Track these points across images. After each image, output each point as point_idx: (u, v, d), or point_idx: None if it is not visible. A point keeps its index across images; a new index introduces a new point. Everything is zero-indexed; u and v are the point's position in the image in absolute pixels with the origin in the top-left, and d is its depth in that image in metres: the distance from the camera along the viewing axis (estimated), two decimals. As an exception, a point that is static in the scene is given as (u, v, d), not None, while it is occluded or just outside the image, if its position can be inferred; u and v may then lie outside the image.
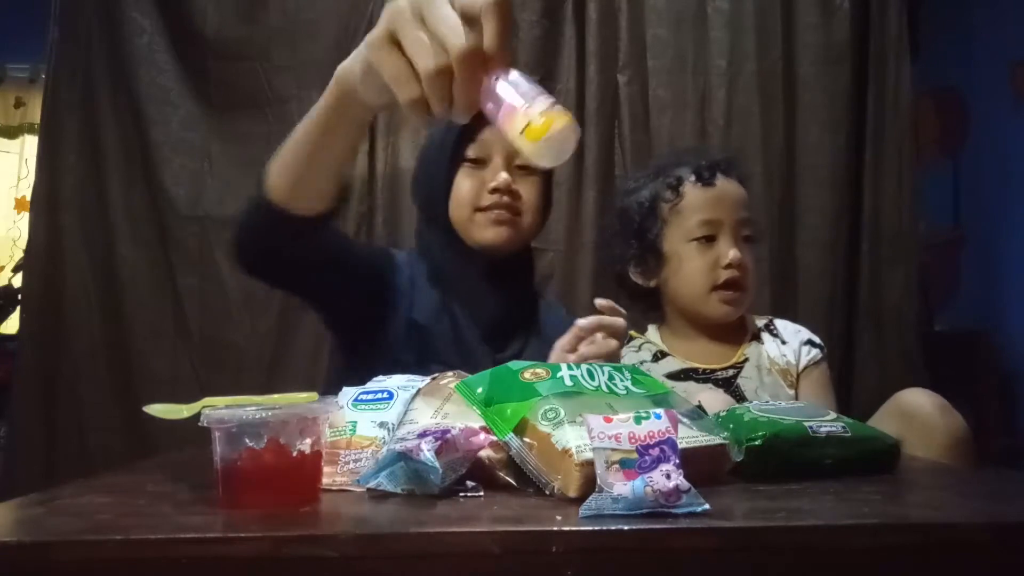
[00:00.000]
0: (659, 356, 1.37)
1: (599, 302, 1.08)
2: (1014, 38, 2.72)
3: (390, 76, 0.66)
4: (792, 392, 1.34)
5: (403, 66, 0.65)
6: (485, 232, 1.22)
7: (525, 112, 0.64)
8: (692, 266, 1.33)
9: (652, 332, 1.43)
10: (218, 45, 1.95)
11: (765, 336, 1.39)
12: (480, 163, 1.23)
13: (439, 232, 1.26)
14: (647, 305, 1.44)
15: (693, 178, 1.35)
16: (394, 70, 0.65)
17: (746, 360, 1.35)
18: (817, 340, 1.39)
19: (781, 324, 1.41)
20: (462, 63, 0.62)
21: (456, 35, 0.61)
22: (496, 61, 0.63)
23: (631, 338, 1.42)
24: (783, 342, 1.37)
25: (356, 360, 1.21)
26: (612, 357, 1.04)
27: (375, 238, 1.91)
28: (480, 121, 1.18)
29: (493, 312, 1.23)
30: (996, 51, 2.80)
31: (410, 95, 0.65)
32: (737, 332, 1.39)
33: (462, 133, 1.22)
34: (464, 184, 1.23)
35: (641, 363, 1.35)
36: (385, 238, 1.89)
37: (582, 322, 1.06)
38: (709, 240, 1.32)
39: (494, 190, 1.21)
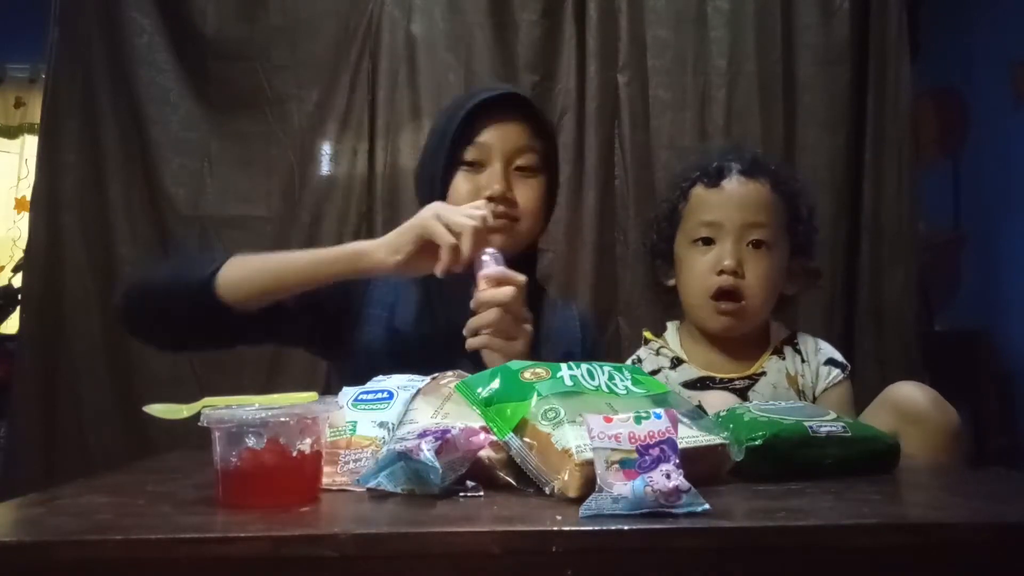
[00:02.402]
0: (676, 363, 1.33)
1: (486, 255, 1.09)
2: (1014, 38, 2.72)
3: (440, 236, 1.03)
4: None
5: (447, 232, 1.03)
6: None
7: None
8: (691, 269, 1.30)
9: (671, 334, 1.39)
10: (218, 45, 1.95)
11: (787, 351, 1.33)
12: (478, 166, 1.21)
13: None
14: (668, 301, 1.40)
15: (704, 179, 1.31)
16: (441, 232, 1.03)
17: (763, 374, 1.30)
18: (839, 359, 1.33)
19: (803, 340, 1.35)
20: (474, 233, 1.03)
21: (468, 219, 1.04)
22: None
23: (647, 340, 1.39)
24: (803, 360, 1.32)
25: (341, 377, 1.20)
26: (513, 350, 1.04)
27: (375, 238, 1.91)
28: (479, 123, 1.19)
29: None
30: (996, 51, 2.80)
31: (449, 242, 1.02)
32: (759, 340, 1.34)
33: (460, 134, 1.20)
34: (461, 187, 1.21)
35: (659, 369, 1.32)
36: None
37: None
38: (707, 243, 1.28)
39: (489, 198, 1.19)
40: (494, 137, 1.21)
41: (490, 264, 1.05)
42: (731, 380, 1.30)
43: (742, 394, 1.28)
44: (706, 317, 1.29)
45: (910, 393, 1.10)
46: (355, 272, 1.10)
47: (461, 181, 1.22)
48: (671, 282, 1.37)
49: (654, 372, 1.32)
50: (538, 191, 1.24)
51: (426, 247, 1.04)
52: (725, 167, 1.30)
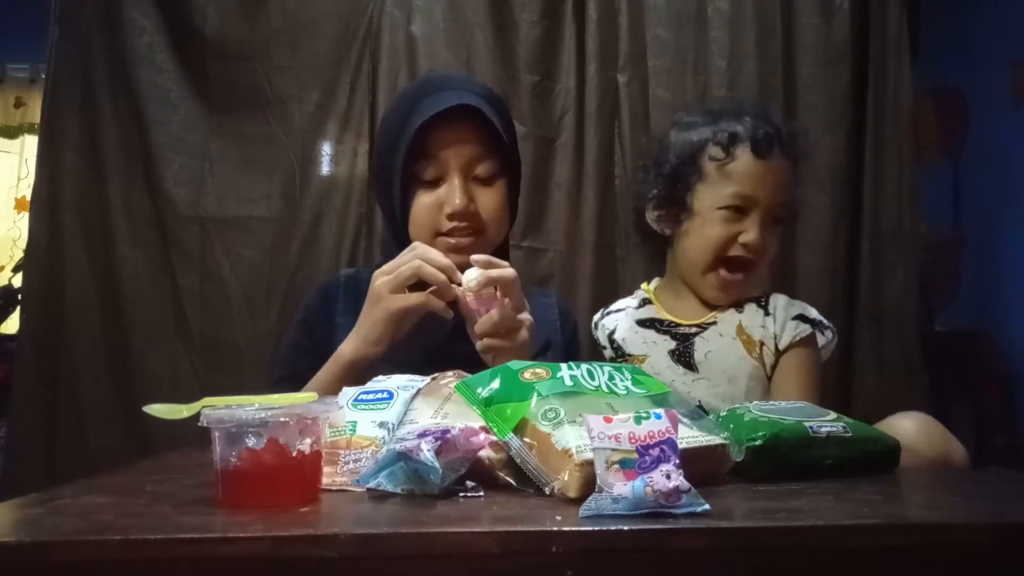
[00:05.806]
0: (643, 303, 1.38)
1: (474, 257, 1.09)
2: (1014, 38, 2.72)
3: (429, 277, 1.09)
4: (755, 364, 1.26)
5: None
6: (448, 257, 1.19)
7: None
8: (710, 233, 1.26)
9: (656, 279, 1.43)
10: (218, 45, 1.95)
11: (748, 306, 1.31)
12: (436, 183, 1.20)
13: (402, 242, 1.24)
14: (654, 250, 1.40)
15: (749, 145, 1.26)
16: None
17: (714, 323, 1.30)
18: (811, 315, 1.30)
19: (775, 298, 1.33)
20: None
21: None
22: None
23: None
24: (767, 314, 1.30)
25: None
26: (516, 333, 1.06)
27: (375, 238, 1.91)
28: (431, 134, 1.18)
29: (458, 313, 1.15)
30: (996, 51, 2.80)
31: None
32: None
33: (413, 148, 1.17)
34: (422, 201, 1.20)
35: (625, 308, 1.38)
36: (385, 238, 1.89)
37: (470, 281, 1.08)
38: (739, 212, 1.25)
39: (451, 215, 1.18)
40: (449, 152, 1.19)
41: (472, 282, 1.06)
42: (678, 326, 1.32)
43: (686, 339, 1.30)
44: (702, 285, 1.30)
45: (901, 428, 1.03)
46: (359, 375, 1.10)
47: (422, 196, 1.21)
48: (667, 231, 1.35)
49: (619, 310, 1.40)
50: (499, 197, 1.23)
51: (398, 320, 1.09)
52: (773, 138, 1.27)
